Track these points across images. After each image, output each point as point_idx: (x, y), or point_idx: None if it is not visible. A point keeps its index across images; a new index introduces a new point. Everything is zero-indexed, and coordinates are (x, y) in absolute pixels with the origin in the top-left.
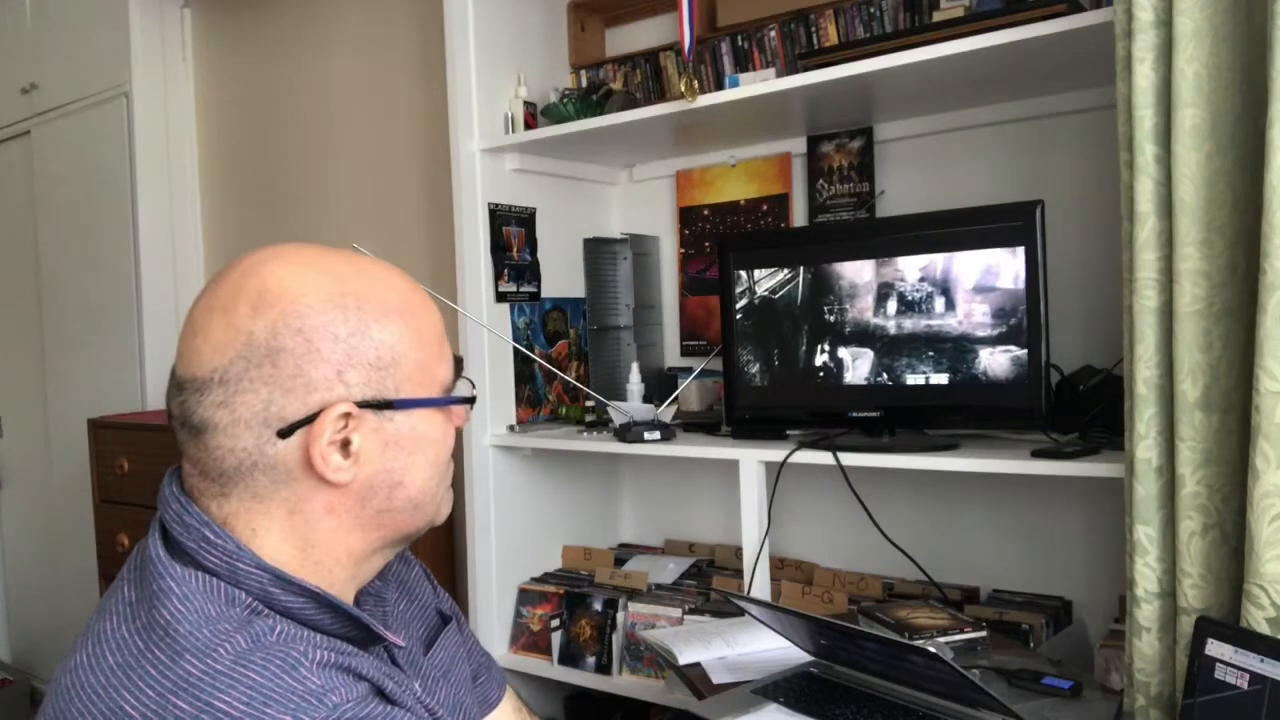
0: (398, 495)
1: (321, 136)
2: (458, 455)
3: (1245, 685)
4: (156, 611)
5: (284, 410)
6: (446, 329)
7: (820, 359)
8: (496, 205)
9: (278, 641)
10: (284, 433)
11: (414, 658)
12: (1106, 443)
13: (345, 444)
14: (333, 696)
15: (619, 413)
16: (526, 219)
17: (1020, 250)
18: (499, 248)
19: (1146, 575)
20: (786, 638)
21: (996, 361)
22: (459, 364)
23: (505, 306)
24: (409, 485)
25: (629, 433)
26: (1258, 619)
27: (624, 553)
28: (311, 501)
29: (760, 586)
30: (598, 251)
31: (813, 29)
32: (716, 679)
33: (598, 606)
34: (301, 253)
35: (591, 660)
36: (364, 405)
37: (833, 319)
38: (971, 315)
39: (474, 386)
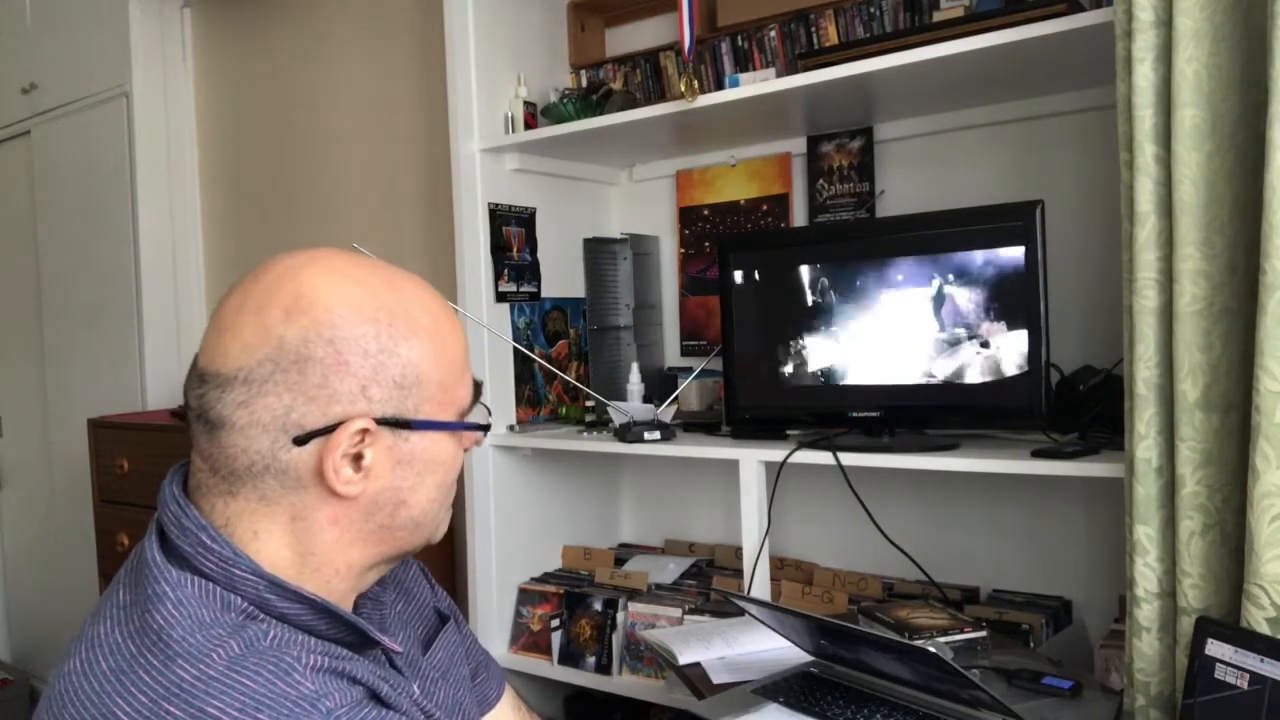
0: (400, 513)
1: (321, 136)
2: None
3: (1245, 685)
4: (150, 616)
5: (304, 418)
6: None
7: (820, 359)
8: (496, 205)
9: (271, 647)
10: (300, 440)
11: (413, 658)
12: (1106, 443)
13: (358, 458)
14: (326, 701)
15: (619, 413)
16: (526, 219)
17: (1020, 250)
18: (499, 248)
19: (1146, 575)
20: (786, 638)
21: (996, 361)
22: (478, 388)
23: (505, 306)
24: (413, 505)
25: (629, 433)
26: (1258, 619)
27: (624, 553)
28: (317, 511)
29: (760, 586)
30: (598, 251)
31: (813, 29)
32: (716, 679)
33: (598, 606)
34: (337, 261)
35: (591, 660)
36: (382, 422)
37: (833, 319)
38: (971, 315)
39: (490, 414)
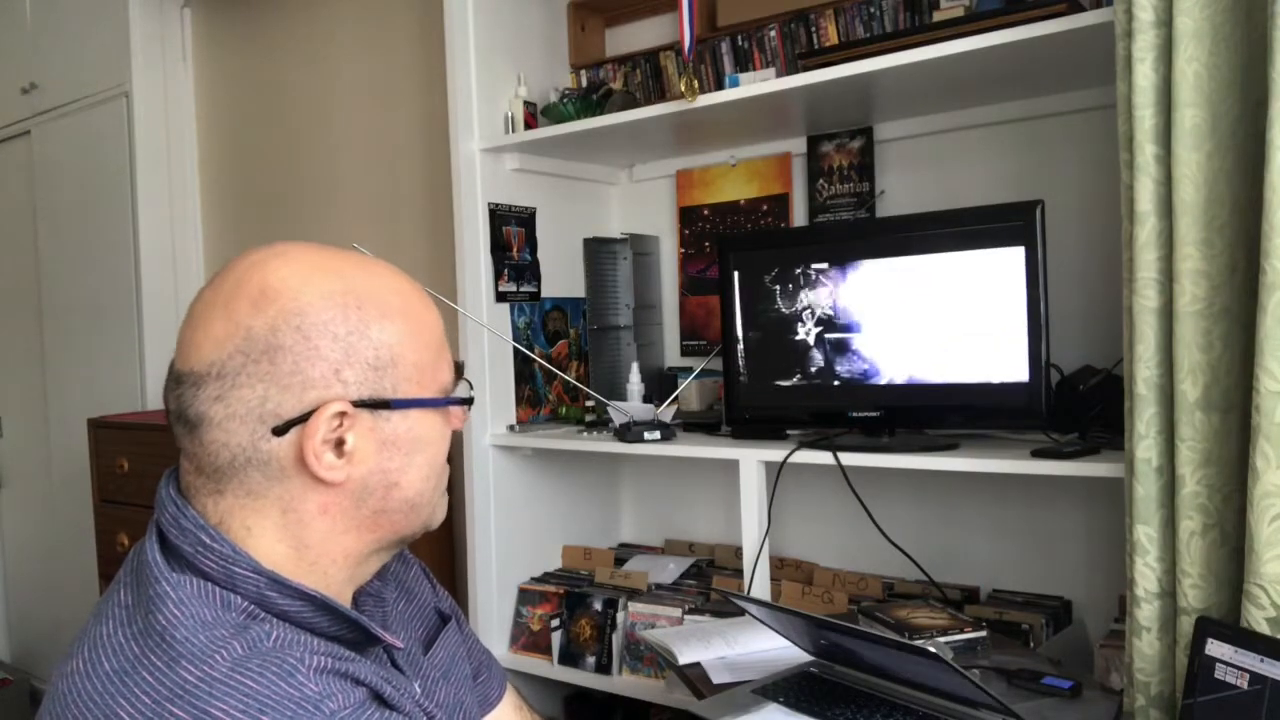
0: (393, 496)
1: (321, 136)
2: (457, 456)
3: (1245, 685)
4: (153, 617)
5: (280, 407)
6: (446, 329)
7: (820, 359)
8: (496, 205)
9: (274, 647)
10: (279, 430)
11: (414, 658)
12: (1106, 443)
13: (340, 443)
14: (330, 703)
15: (619, 413)
16: (526, 219)
17: (1020, 250)
18: (499, 247)
19: (1146, 575)
20: (786, 638)
21: (996, 361)
22: (459, 369)
23: (505, 306)
24: (405, 486)
25: (629, 433)
26: (1258, 619)
27: (624, 553)
28: (306, 500)
29: (760, 586)
30: (598, 251)
31: (813, 29)
32: (716, 679)
33: (598, 606)
34: (304, 251)
35: (591, 660)
36: (360, 404)
37: (832, 319)
38: (971, 315)
39: (472, 388)
